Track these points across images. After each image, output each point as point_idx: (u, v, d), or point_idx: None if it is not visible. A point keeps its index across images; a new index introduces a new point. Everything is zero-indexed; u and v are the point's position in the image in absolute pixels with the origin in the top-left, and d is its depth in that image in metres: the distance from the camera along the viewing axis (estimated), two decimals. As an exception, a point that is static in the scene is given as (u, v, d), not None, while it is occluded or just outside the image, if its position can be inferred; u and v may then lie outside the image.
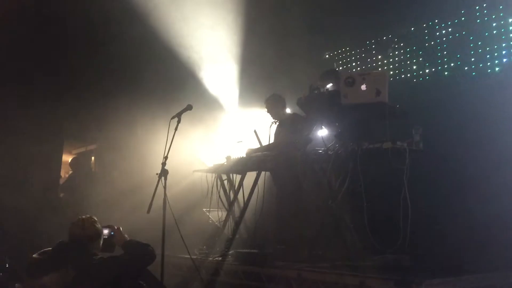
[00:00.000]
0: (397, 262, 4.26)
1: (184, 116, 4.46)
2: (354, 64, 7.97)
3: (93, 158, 9.26)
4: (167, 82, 7.27)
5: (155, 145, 5.20)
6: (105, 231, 3.38)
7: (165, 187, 4.06)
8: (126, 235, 3.41)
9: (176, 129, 4.28)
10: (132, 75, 7.46)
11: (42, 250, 3.18)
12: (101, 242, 3.31)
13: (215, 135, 7.24)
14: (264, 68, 7.41)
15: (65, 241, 3.19)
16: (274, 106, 5.79)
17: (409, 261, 4.26)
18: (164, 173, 4.09)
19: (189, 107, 4.43)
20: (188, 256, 4.52)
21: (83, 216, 3.31)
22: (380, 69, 7.41)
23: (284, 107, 5.89)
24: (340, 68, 7.88)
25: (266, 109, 5.85)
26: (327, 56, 8.22)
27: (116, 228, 3.41)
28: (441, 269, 3.96)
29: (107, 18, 7.02)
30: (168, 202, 4.03)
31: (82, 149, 9.75)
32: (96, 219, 3.31)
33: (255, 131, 5.87)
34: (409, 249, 4.41)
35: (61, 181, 7.90)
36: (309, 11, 7.07)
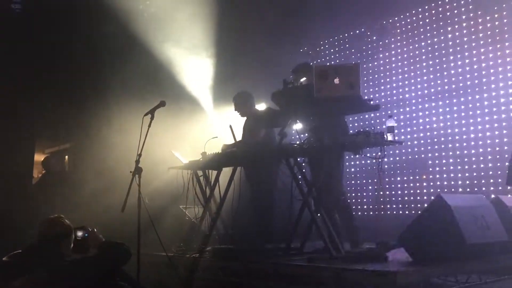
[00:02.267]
0: (373, 253, 4.30)
1: (157, 113, 4.41)
2: (328, 58, 8.03)
3: (66, 157, 9.11)
4: (141, 79, 7.18)
5: (129, 143, 5.12)
6: (79, 233, 3.31)
7: (139, 185, 4.00)
8: (101, 236, 3.35)
9: (149, 126, 4.22)
10: (105, 72, 7.35)
11: (12, 253, 3.10)
12: (72, 242, 3.24)
13: (190, 131, 7.19)
14: (238, 63, 7.40)
15: (35, 243, 3.12)
16: (241, 103, 5.81)
17: (385, 252, 4.30)
18: (138, 170, 4.03)
19: (162, 104, 4.38)
20: (165, 254, 4.48)
21: (51, 216, 3.24)
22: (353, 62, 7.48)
23: (253, 104, 5.90)
24: (315, 62, 7.92)
25: (234, 107, 5.86)
26: (301, 50, 8.25)
27: (90, 230, 3.35)
28: (418, 259, 4.01)
29: (80, 14, 6.91)
30: (143, 200, 3.98)
31: (55, 148, 9.59)
32: (63, 217, 3.24)
33: (230, 126, 5.84)
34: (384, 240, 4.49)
35: (34, 181, 7.75)
36: (284, 4, 7.06)
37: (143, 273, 3.93)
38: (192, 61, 7.57)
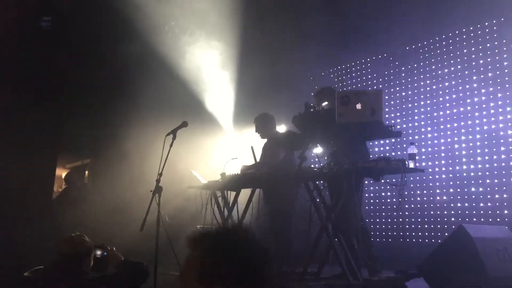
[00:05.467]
0: (391, 282, 4.24)
1: (179, 133, 4.47)
2: (349, 82, 8.04)
3: (86, 172, 9.22)
4: (164, 99, 7.27)
5: (150, 161, 5.18)
6: (98, 252, 3.33)
7: (159, 204, 4.04)
8: (119, 255, 3.37)
9: (171, 145, 4.28)
10: (129, 91, 7.47)
11: (34, 268, 3.13)
12: (92, 260, 3.26)
13: (210, 152, 7.23)
14: (261, 85, 7.45)
15: (57, 260, 3.15)
16: (262, 125, 5.83)
17: (404, 281, 4.23)
18: (158, 190, 4.07)
19: (184, 124, 4.44)
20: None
21: (72, 234, 3.27)
22: (375, 87, 7.49)
23: (274, 126, 5.92)
24: (336, 86, 7.94)
25: (255, 128, 5.89)
26: (322, 74, 8.29)
27: (109, 248, 3.37)
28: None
29: (106, 35, 7.06)
30: (164, 218, 4.00)
31: (77, 163, 9.72)
32: (85, 236, 3.27)
33: (252, 148, 5.87)
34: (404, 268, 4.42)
35: (54, 195, 7.85)
36: (304, 29, 7.13)
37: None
38: (215, 81, 7.66)
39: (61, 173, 8.81)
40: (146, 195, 4.24)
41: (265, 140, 5.96)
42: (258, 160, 5.77)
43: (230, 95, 7.80)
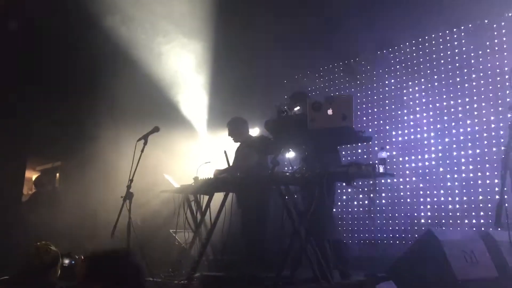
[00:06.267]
0: (362, 285, 4.29)
1: (152, 137, 4.44)
2: (322, 85, 8.10)
3: (57, 175, 9.05)
4: (136, 102, 7.20)
5: (122, 165, 5.13)
6: (66, 260, 3.28)
7: (129, 211, 4.00)
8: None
9: (142, 151, 4.25)
10: (101, 93, 7.38)
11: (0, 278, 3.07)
12: (58, 269, 3.21)
13: (183, 156, 7.19)
14: (233, 90, 7.45)
15: (24, 270, 3.08)
16: (234, 129, 5.84)
17: (374, 284, 4.28)
18: (129, 196, 4.03)
19: (156, 129, 4.41)
20: (152, 279, 4.44)
21: (38, 243, 3.20)
22: (347, 91, 7.57)
23: (247, 130, 5.93)
24: (309, 89, 7.99)
25: (228, 132, 5.89)
26: (296, 77, 8.32)
27: (77, 257, 3.32)
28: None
29: (78, 36, 6.95)
30: (133, 226, 3.96)
31: (47, 166, 9.53)
32: (50, 244, 3.21)
33: (225, 152, 5.87)
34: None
35: (23, 198, 7.68)
36: (278, 33, 7.16)
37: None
38: (188, 85, 7.62)
39: (31, 175, 8.63)
40: (117, 199, 4.19)
41: (238, 144, 5.96)
42: (231, 164, 5.76)
43: (204, 98, 7.77)
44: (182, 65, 7.48)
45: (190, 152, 7.39)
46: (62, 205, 6.69)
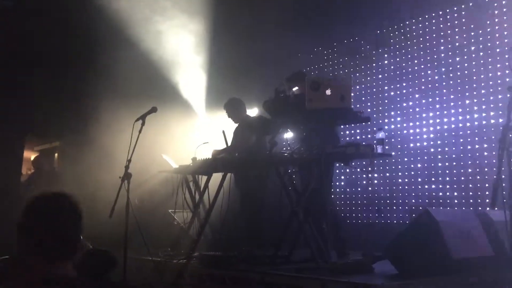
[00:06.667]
0: (359, 264, 4.33)
1: (150, 118, 4.43)
2: (321, 65, 8.04)
3: (56, 155, 9.06)
4: (134, 81, 7.16)
5: (121, 145, 5.13)
6: None
7: (128, 191, 4.01)
8: (86, 243, 3.34)
9: (140, 131, 4.24)
10: (99, 73, 7.32)
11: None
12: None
13: (182, 136, 7.19)
14: (232, 70, 7.40)
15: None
16: (233, 110, 5.83)
17: (371, 263, 4.32)
18: (127, 176, 4.04)
19: (153, 109, 4.39)
20: (151, 259, 4.49)
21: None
22: (346, 71, 7.52)
23: (244, 110, 5.92)
24: (308, 69, 7.93)
25: (226, 114, 5.88)
26: (297, 56, 8.25)
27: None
28: (403, 272, 4.03)
29: (74, 16, 6.88)
30: (131, 207, 3.98)
31: (45, 146, 9.53)
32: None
33: (223, 132, 5.88)
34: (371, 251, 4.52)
35: (22, 178, 7.71)
36: (277, 13, 7.08)
37: (130, 278, 3.93)
38: (187, 65, 7.57)
39: (30, 155, 8.64)
40: (116, 180, 4.20)
41: (236, 125, 5.96)
42: (229, 144, 5.77)
43: (202, 78, 7.73)
44: (180, 44, 7.41)
45: (189, 133, 7.39)
46: (61, 186, 6.69)
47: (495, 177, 3.09)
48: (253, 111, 6.82)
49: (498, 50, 5.97)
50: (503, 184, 3.13)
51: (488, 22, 6.13)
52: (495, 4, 6.07)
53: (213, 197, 5.22)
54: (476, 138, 6.12)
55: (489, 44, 6.08)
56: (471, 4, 6.30)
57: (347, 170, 7.18)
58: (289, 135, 5.15)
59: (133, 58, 7.14)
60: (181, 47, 7.40)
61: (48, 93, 7.22)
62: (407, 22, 6.93)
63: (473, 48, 6.24)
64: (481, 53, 6.14)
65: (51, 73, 7.21)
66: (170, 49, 7.34)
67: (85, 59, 7.28)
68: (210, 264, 4.83)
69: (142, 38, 7.21)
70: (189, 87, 7.72)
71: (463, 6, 6.40)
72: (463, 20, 6.39)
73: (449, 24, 6.52)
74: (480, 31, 6.18)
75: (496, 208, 3.42)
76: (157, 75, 7.43)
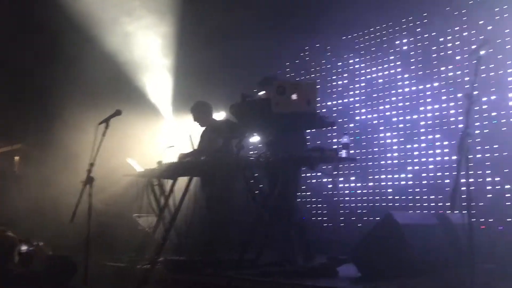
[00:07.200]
0: (324, 268, 4.37)
1: (115, 120, 4.36)
2: (288, 69, 8.08)
3: (17, 158, 8.79)
4: (98, 84, 7.04)
5: (85, 148, 5.03)
6: (24, 247, 3.20)
7: (90, 196, 3.93)
8: (47, 249, 3.26)
9: (104, 135, 4.16)
10: (63, 74, 7.16)
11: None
12: (16, 255, 3.14)
13: (148, 140, 7.10)
14: (199, 73, 7.37)
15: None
16: (199, 113, 5.81)
17: (336, 267, 4.37)
18: (89, 180, 3.95)
19: (118, 112, 4.33)
20: (115, 264, 4.41)
21: None
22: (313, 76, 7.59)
23: (211, 113, 5.91)
24: (276, 73, 7.95)
25: (192, 117, 5.85)
26: (263, 61, 8.26)
27: (35, 243, 3.24)
28: (367, 275, 4.09)
29: (43, 15, 6.73)
30: (94, 212, 3.90)
31: (6, 149, 9.24)
32: (6, 230, 3.13)
33: (190, 136, 5.84)
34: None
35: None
36: (246, 17, 7.10)
37: (91, 285, 3.85)
38: (153, 67, 7.49)
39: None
40: (78, 185, 4.11)
41: (203, 128, 5.93)
42: (195, 148, 5.74)
43: (169, 81, 7.66)
44: (148, 46, 7.34)
45: (155, 136, 7.30)
46: (22, 190, 6.52)
47: (454, 181, 3.18)
48: (220, 115, 6.80)
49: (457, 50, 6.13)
50: (462, 188, 3.22)
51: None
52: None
53: (178, 201, 5.17)
54: (438, 143, 6.27)
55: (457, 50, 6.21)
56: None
57: (312, 174, 7.22)
58: (255, 139, 5.15)
59: (100, 58, 7.02)
60: (149, 49, 7.33)
61: (9, 92, 7.02)
62: (371, 29, 7.05)
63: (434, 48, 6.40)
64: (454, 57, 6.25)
65: (13, 73, 7.02)
66: (137, 50, 7.26)
67: (51, 57, 7.11)
68: (175, 269, 4.78)
69: (109, 38, 7.10)
70: (156, 89, 7.64)
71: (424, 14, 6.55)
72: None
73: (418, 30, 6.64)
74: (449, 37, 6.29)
75: (455, 211, 3.52)
76: (124, 77, 7.32)
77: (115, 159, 6.00)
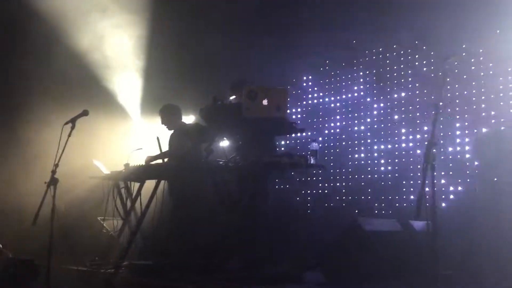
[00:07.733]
0: (290, 274, 4.39)
1: (81, 121, 4.28)
2: (260, 73, 8.08)
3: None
4: (64, 83, 6.88)
5: (49, 149, 4.90)
6: None
7: (54, 197, 3.83)
8: (7, 252, 3.16)
9: (69, 135, 4.08)
10: (29, 71, 6.96)
11: None
12: None
13: (114, 142, 6.98)
14: (169, 76, 7.30)
15: None
16: (168, 116, 5.76)
17: (303, 272, 4.39)
18: (53, 181, 3.86)
19: (85, 113, 4.25)
20: (77, 268, 4.32)
21: None
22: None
23: (180, 117, 5.86)
24: (246, 77, 7.94)
25: (160, 120, 5.80)
26: (234, 65, 8.25)
27: None
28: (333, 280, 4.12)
29: (9, 10, 6.54)
30: (57, 214, 3.80)
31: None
32: None
33: (157, 138, 5.78)
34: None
35: None
36: (217, 19, 7.09)
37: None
38: (122, 68, 7.38)
39: None
40: (42, 186, 4.01)
41: (171, 131, 5.88)
42: (163, 150, 5.68)
43: (138, 82, 7.56)
44: (117, 46, 7.22)
45: (122, 138, 7.19)
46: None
47: (419, 189, 3.26)
48: (189, 118, 6.76)
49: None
50: (427, 196, 3.30)
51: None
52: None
53: (145, 205, 5.10)
54: (403, 152, 6.41)
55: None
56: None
57: (282, 180, 7.26)
58: (225, 143, 5.14)
59: (68, 56, 6.87)
60: (118, 49, 7.21)
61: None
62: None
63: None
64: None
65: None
66: (106, 50, 7.13)
67: (16, 53, 6.90)
68: (140, 273, 4.71)
69: (79, 36, 6.95)
70: (125, 90, 7.52)
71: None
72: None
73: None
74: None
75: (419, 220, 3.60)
76: (92, 76, 7.19)
77: (81, 161, 5.87)
